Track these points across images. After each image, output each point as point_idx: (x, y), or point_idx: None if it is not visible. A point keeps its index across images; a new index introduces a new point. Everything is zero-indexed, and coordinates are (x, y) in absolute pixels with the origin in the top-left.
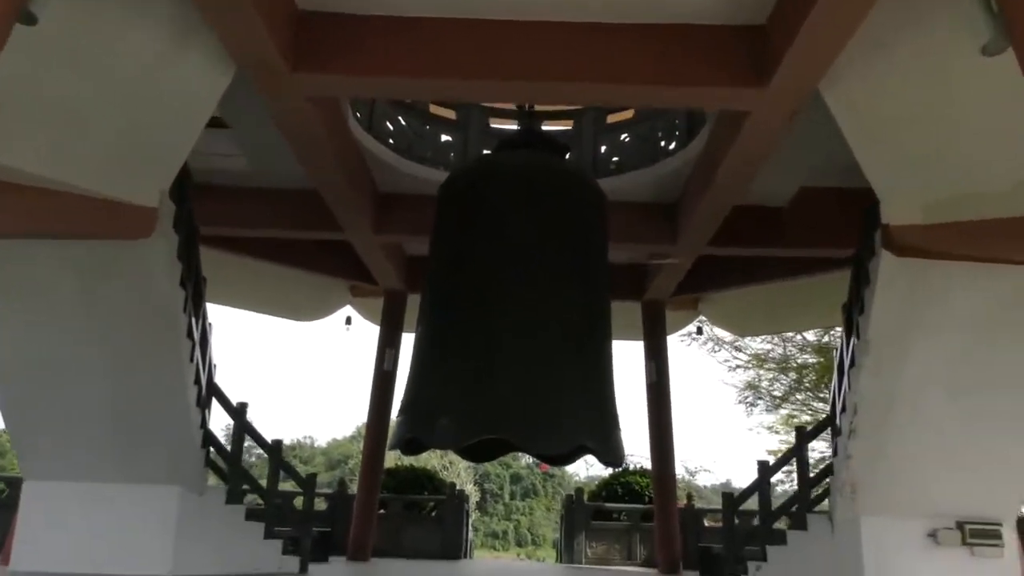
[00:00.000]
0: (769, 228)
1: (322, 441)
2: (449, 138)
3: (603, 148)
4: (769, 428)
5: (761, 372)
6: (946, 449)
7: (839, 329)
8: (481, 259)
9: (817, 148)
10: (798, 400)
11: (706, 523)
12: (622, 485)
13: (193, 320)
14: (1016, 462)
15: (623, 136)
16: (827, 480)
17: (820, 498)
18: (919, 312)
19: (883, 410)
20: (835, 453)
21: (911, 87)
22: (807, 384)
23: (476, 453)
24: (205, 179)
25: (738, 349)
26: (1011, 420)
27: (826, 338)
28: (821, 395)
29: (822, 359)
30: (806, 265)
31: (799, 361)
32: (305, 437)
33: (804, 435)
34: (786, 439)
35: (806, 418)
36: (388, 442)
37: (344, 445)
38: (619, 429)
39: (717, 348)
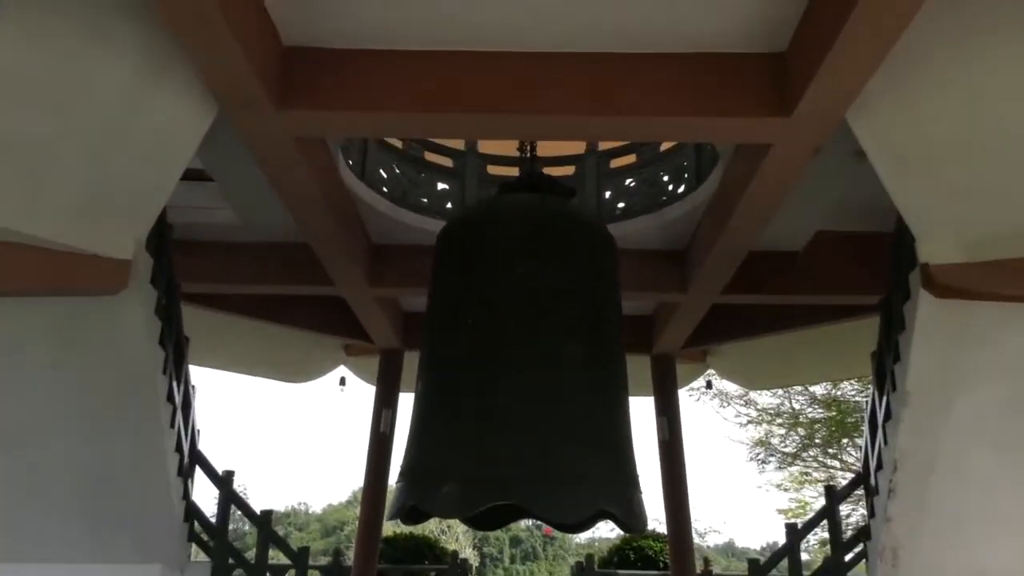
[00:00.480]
0: (784, 274)
1: (317, 507)
2: (446, 186)
3: (607, 194)
4: (778, 486)
5: (772, 428)
6: (995, 509)
7: (850, 382)
8: (484, 309)
9: (834, 189)
10: (810, 456)
11: None
12: (634, 550)
13: (174, 383)
14: None
15: (628, 181)
16: (861, 544)
17: (851, 563)
18: (962, 359)
19: (925, 467)
20: (871, 514)
21: (951, 111)
22: (818, 440)
23: (483, 520)
24: (188, 234)
25: (746, 404)
26: None
27: (836, 390)
28: (831, 451)
29: (833, 413)
30: (824, 313)
31: (809, 416)
32: (299, 504)
33: (835, 495)
34: (795, 496)
35: (819, 476)
36: (387, 511)
37: (340, 511)
38: (640, 491)
39: (725, 403)
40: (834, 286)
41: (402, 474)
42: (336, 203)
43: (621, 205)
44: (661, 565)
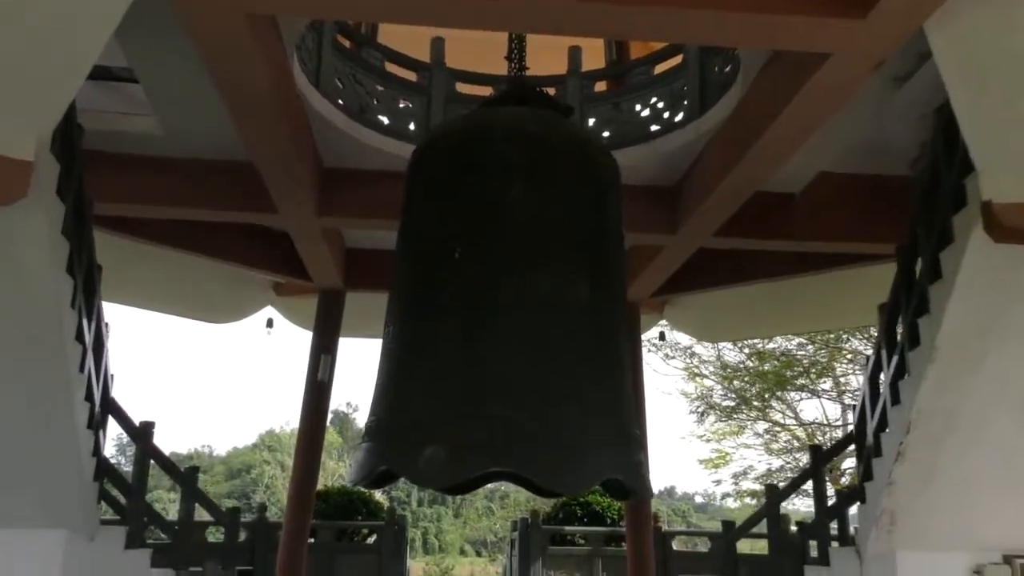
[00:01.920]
0: (779, 217)
1: (221, 451)
2: (409, 104)
3: (591, 121)
4: (700, 436)
5: (713, 382)
6: (1005, 473)
7: (806, 336)
8: (474, 241)
9: (852, 123)
10: (744, 411)
11: (675, 547)
12: (581, 506)
13: (84, 319)
14: None
15: (615, 106)
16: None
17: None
18: (1004, 311)
19: (941, 429)
20: (866, 477)
21: None
22: (754, 393)
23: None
24: (103, 144)
25: (690, 356)
26: None
27: (776, 345)
28: (768, 405)
29: (773, 366)
30: (816, 261)
31: (746, 368)
32: (203, 446)
33: (821, 455)
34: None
35: (756, 428)
36: (351, 474)
37: (245, 454)
38: (645, 453)
39: (672, 355)
40: (835, 232)
41: (370, 432)
42: (288, 111)
43: (607, 134)
44: (608, 521)
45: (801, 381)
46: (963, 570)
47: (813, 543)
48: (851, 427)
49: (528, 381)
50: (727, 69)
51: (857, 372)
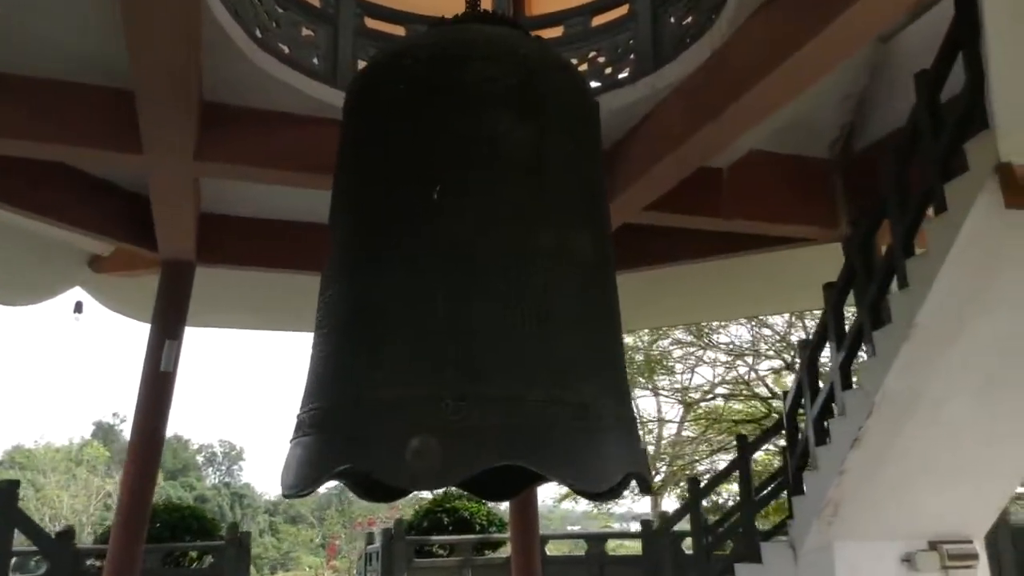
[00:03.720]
0: (706, 194)
1: None
2: (312, 32)
3: None
4: None
5: None
6: (951, 457)
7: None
8: (453, 183)
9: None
10: None
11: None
12: (447, 512)
13: None
14: (1008, 467)
15: None
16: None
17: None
18: (988, 285)
19: (904, 412)
20: (800, 467)
21: None
22: None
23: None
24: None
25: None
26: None
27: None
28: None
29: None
30: (741, 242)
31: None
32: None
33: (748, 445)
34: None
35: None
36: (289, 478)
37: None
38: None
39: None
40: (763, 212)
41: (313, 424)
42: (185, 14)
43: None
44: (478, 528)
45: (640, 379)
46: (894, 558)
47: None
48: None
49: (534, 354)
50: (687, 20)
51: (693, 370)
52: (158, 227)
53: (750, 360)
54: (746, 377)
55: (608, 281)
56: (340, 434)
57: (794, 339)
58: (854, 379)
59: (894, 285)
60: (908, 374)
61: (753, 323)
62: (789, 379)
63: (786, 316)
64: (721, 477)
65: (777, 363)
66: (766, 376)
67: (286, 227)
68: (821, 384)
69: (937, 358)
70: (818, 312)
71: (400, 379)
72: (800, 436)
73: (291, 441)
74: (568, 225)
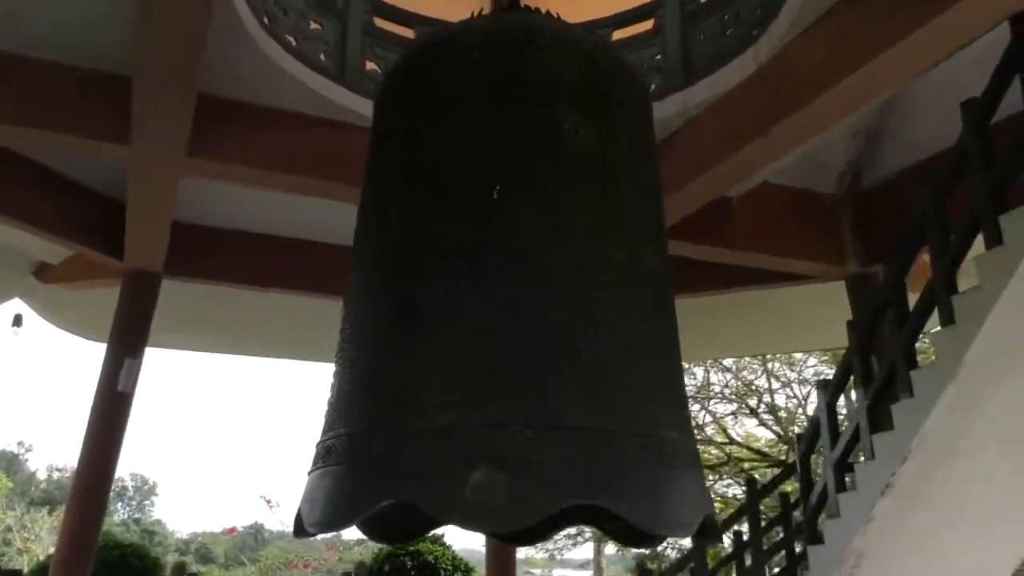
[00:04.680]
0: (716, 224)
1: None
2: (320, 27)
3: None
4: None
5: None
6: (979, 508)
7: None
8: (516, 183)
9: None
10: None
11: None
12: (411, 556)
13: None
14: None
15: None
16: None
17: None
18: None
19: (937, 458)
20: (817, 511)
21: None
22: None
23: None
24: None
25: None
26: None
27: None
28: None
29: None
30: (743, 276)
31: None
32: None
33: (757, 490)
34: None
35: None
36: (317, 514)
37: None
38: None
39: None
40: (772, 245)
41: (344, 453)
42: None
43: None
44: (443, 573)
45: None
46: None
47: None
48: None
49: (609, 379)
50: (726, 34)
51: None
52: (129, 232)
53: (705, 403)
54: (700, 420)
55: (672, 301)
56: (383, 464)
57: (761, 382)
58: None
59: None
60: (949, 418)
61: (709, 364)
62: (749, 423)
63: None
64: (730, 522)
65: (734, 406)
66: (722, 418)
67: (266, 241)
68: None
69: (980, 402)
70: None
71: (457, 402)
72: (817, 481)
73: (314, 471)
74: (636, 236)
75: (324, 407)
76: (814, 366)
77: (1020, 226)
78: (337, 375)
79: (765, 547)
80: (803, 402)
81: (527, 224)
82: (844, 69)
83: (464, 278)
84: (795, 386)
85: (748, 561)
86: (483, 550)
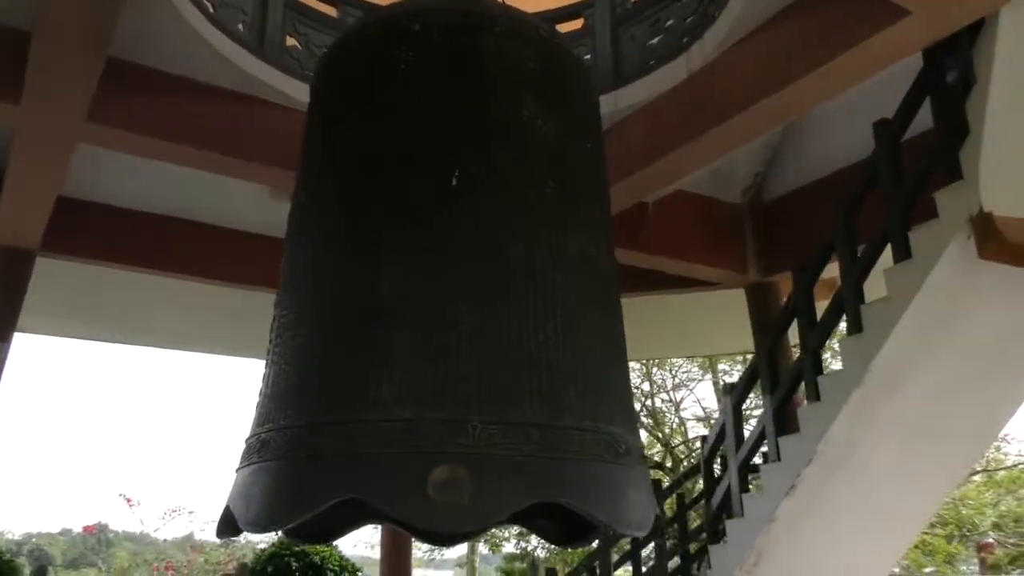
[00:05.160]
0: (630, 229)
1: None
2: None
3: None
4: None
5: None
6: (868, 508)
7: None
8: (473, 167)
9: None
10: None
11: None
12: (296, 556)
13: None
14: (914, 517)
15: None
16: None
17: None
18: (939, 334)
19: (838, 460)
20: (720, 515)
21: None
22: None
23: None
24: None
25: None
26: (945, 471)
27: None
28: None
29: None
30: (654, 280)
31: None
32: None
33: (663, 491)
34: None
35: None
36: (254, 514)
37: None
38: None
39: None
40: (684, 251)
41: (287, 443)
42: None
43: None
44: (329, 574)
45: None
46: None
47: None
48: None
49: (565, 374)
50: (654, 40)
51: None
52: (5, 203)
53: None
54: None
55: (618, 298)
56: (333, 459)
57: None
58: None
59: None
60: (853, 421)
61: None
62: None
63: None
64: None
65: None
66: None
67: (155, 222)
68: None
69: (881, 406)
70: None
71: (412, 394)
72: (720, 482)
73: (246, 466)
74: (589, 232)
75: (256, 398)
76: (688, 371)
77: (930, 241)
78: (274, 364)
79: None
80: (677, 406)
81: (488, 215)
82: (772, 86)
83: (423, 267)
84: (670, 391)
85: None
86: (366, 554)
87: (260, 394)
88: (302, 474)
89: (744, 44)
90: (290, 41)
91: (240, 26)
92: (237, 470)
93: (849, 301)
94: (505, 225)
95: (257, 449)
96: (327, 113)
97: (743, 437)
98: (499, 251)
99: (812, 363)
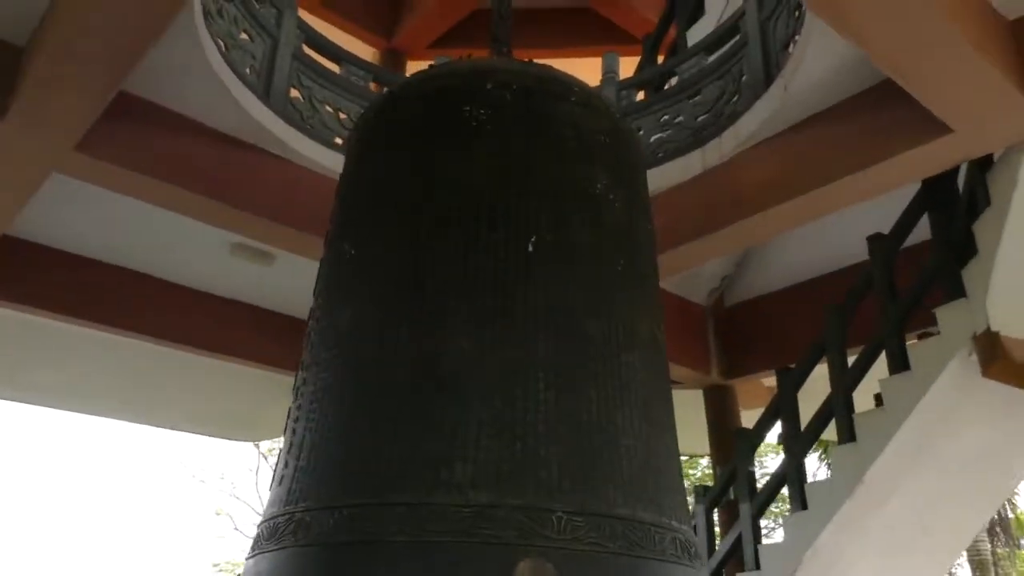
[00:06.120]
0: None
1: None
2: (248, 37)
3: None
4: None
5: None
6: None
7: None
8: (548, 236)
9: None
10: None
11: None
12: None
13: None
14: None
15: None
16: None
17: None
18: (928, 448)
19: (821, 570)
20: None
21: None
22: None
23: None
24: None
25: None
26: None
27: None
28: None
29: None
30: None
31: None
32: None
33: None
34: None
35: None
36: None
37: None
38: None
39: None
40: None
41: (329, 530)
42: None
43: None
44: None
45: None
46: None
47: None
48: None
49: (643, 464)
50: (663, 134)
51: None
52: None
53: None
54: None
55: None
56: (394, 546)
57: None
58: None
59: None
60: (841, 531)
61: None
62: None
63: None
64: None
65: None
66: None
67: (113, 273)
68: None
69: (869, 517)
70: None
71: (487, 476)
72: None
73: (276, 549)
74: (654, 310)
75: (281, 469)
76: None
77: (931, 356)
78: (307, 433)
79: None
80: None
81: (564, 286)
82: (796, 189)
83: (497, 337)
84: None
85: None
86: None
87: (286, 466)
88: (360, 562)
89: (769, 144)
90: (293, 93)
91: (248, 71)
92: (258, 555)
93: (840, 409)
94: (581, 299)
95: (292, 531)
96: (381, 163)
97: (715, 544)
98: (576, 326)
99: (797, 469)
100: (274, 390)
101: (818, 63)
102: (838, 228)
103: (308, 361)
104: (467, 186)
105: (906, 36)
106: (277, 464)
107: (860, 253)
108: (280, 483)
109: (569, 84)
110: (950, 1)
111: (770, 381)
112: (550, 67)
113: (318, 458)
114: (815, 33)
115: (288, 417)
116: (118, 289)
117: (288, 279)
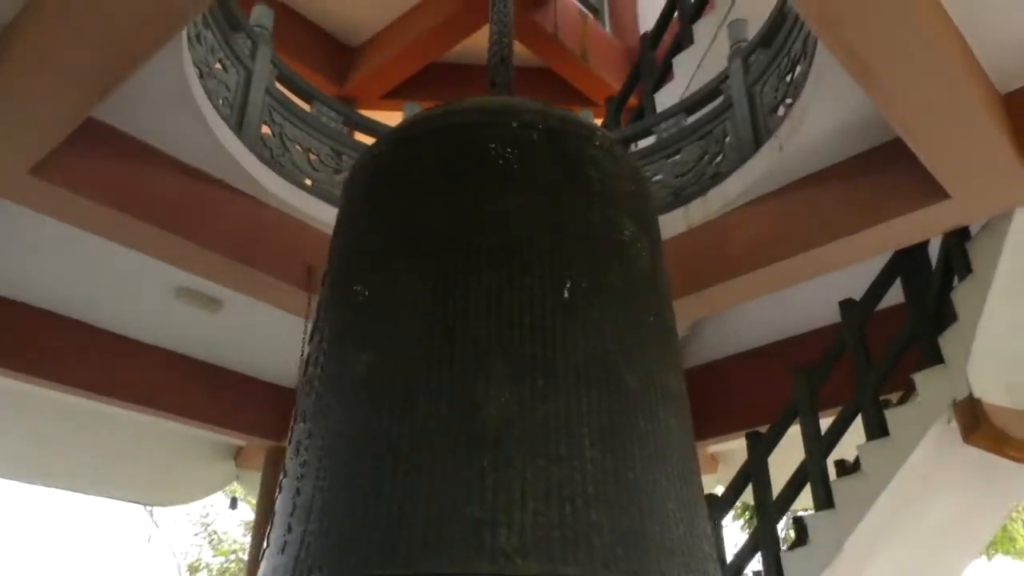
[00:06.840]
0: None
1: None
2: (224, 68)
3: None
4: None
5: None
6: None
7: None
8: (583, 282)
9: None
10: None
11: None
12: None
13: None
14: None
15: None
16: None
17: None
18: (905, 510)
19: None
20: None
21: None
22: None
23: None
24: None
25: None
26: None
27: None
28: None
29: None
30: None
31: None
32: None
33: None
34: None
35: None
36: None
37: None
38: None
39: None
40: None
41: None
42: None
43: None
44: None
45: None
46: None
47: None
48: None
49: (688, 527)
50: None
51: None
52: None
53: None
54: None
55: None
56: None
57: None
58: None
59: None
60: None
61: None
62: None
63: None
64: None
65: None
66: None
67: (32, 316)
68: None
69: None
70: None
71: (537, 543)
72: None
73: None
74: (678, 366)
75: (284, 532)
76: None
77: (909, 422)
78: (317, 491)
79: None
80: None
81: (600, 337)
82: (785, 250)
83: (537, 388)
84: None
85: None
86: None
87: (288, 531)
88: None
89: (758, 204)
90: (264, 129)
91: (221, 102)
92: None
93: (816, 475)
94: (619, 350)
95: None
96: (397, 199)
97: None
98: (618, 379)
99: (772, 538)
100: (199, 450)
101: (816, 125)
102: (795, 293)
103: (312, 411)
104: (497, 224)
105: (925, 97)
106: (272, 530)
107: (816, 319)
108: (282, 551)
109: (592, 128)
110: (964, 70)
111: (715, 447)
112: (568, 110)
113: (334, 521)
114: (816, 97)
115: (284, 476)
116: (36, 333)
117: (230, 331)
